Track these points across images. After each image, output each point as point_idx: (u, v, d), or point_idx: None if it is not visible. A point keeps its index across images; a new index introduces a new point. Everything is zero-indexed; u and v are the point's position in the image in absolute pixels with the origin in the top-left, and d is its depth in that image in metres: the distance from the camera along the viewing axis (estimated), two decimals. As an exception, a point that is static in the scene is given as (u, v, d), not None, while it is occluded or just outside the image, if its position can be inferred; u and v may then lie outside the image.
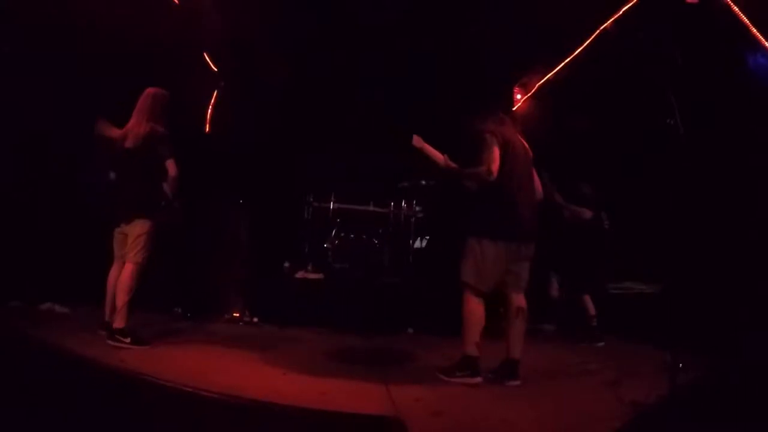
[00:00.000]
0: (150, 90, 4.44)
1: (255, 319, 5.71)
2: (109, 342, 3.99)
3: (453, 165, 3.99)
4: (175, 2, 6.35)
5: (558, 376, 4.21)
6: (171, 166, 4.24)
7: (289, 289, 6.16)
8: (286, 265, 6.42)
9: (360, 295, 6.11)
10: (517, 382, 3.71)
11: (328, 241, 6.62)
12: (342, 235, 6.68)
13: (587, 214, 5.74)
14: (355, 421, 2.66)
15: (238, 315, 5.76)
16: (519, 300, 3.88)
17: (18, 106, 5.00)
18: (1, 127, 4.91)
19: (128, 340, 4.01)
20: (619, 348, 5.31)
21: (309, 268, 6.54)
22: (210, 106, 8.63)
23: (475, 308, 3.76)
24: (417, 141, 4.10)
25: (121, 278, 4.16)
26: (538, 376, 4.11)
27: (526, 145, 4.01)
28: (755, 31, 4.64)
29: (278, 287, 6.15)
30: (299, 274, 6.40)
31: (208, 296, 5.95)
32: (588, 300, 5.63)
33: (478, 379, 3.68)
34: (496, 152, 3.74)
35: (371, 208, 7.50)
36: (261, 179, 7.11)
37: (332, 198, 7.36)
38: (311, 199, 7.17)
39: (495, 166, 3.71)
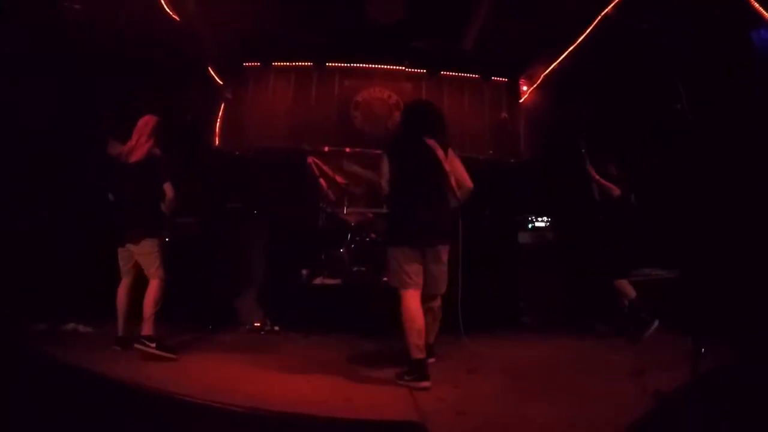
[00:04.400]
0: (148, 117, 4.68)
1: (276, 328, 5.73)
2: (136, 346, 4.17)
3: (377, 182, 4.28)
4: (175, 19, 6.43)
5: (580, 368, 4.20)
6: (168, 189, 4.47)
7: (308, 296, 6.19)
8: (304, 272, 6.45)
9: (379, 298, 6.11)
10: (431, 360, 4.03)
11: (344, 246, 6.63)
12: (357, 239, 6.68)
13: (615, 191, 5.58)
14: (377, 428, 2.69)
15: (259, 324, 5.78)
16: (437, 302, 4.14)
17: (34, 130, 5.12)
18: (18, 145, 5.01)
19: (153, 345, 4.19)
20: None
21: (326, 274, 6.57)
22: (218, 120, 8.75)
23: (407, 308, 3.88)
24: (347, 166, 4.84)
25: (148, 293, 4.37)
26: (561, 370, 4.12)
27: (434, 151, 4.05)
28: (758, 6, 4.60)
29: (297, 295, 6.17)
30: (317, 281, 6.43)
31: (229, 307, 6.00)
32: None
33: (427, 384, 3.65)
34: (385, 168, 4.11)
35: (384, 210, 7.50)
36: (274, 189, 7.17)
37: (345, 203, 7.39)
38: (325, 206, 7.20)
39: (384, 181, 4.11)
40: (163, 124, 4.73)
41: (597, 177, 5.71)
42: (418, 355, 3.75)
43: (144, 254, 4.44)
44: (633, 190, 5.68)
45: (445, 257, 4.06)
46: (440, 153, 4.04)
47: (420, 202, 3.96)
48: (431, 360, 4.03)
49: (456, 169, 4.12)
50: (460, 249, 4.28)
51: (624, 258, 5.54)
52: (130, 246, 4.48)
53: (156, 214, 4.51)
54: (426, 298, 4.01)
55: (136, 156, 4.48)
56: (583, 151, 5.78)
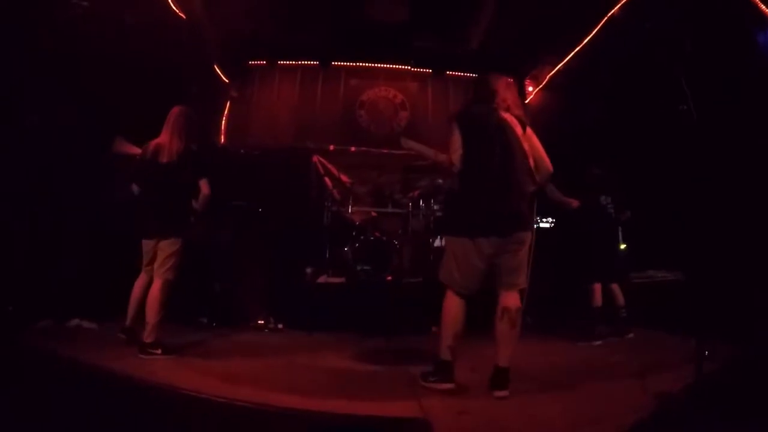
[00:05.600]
0: (180, 108, 4.54)
1: (280, 326, 5.76)
2: (141, 356, 4.07)
3: (442, 158, 3.64)
4: (181, 17, 6.47)
5: (583, 370, 4.18)
6: (204, 185, 4.36)
7: (313, 294, 6.21)
8: (308, 270, 6.47)
9: (382, 296, 6.14)
10: (504, 393, 3.31)
11: (348, 245, 6.65)
12: (362, 237, 6.70)
13: (573, 204, 5.51)
14: (380, 424, 2.70)
15: (263, 322, 5.80)
16: (506, 299, 3.47)
17: (37, 128, 5.14)
18: (21, 147, 5.03)
19: (159, 351, 4.12)
20: (644, 338, 5.27)
21: (331, 272, 6.60)
22: (224, 118, 8.79)
23: (449, 308, 3.50)
24: (404, 142, 3.94)
25: (151, 295, 4.25)
26: (564, 372, 4.11)
27: (512, 128, 3.57)
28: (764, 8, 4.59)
29: (301, 293, 6.19)
30: (321, 279, 6.46)
31: (233, 305, 6.02)
32: (616, 289, 5.47)
33: (449, 386, 3.44)
34: (456, 140, 3.50)
35: (389, 209, 7.53)
36: (279, 187, 7.20)
37: (350, 201, 7.41)
38: (329, 204, 7.22)
39: (455, 155, 3.48)
40: (188, 114, 4.57)
41: (555, 198, 5.51)
42: (447, 356, 3.47)
43: (166, 252, 4.31)
44: (603, 192, 5.62)
45: (524, 246, 3.50)
46: (519, 130, 3.58)
47: (495, 185, 3.41)
48: (502, 393, 3.32)
49: (535, 149, 3.64)
50: (533, 242, 3.66)
51: (601, 264, 5.52)
52: (156, 241, 4.36)
53: (186, 212, 4.42)
54: (498, 296, 3.50)
55: (169, 156, 4.35)
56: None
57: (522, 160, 3.52)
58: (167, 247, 4.32)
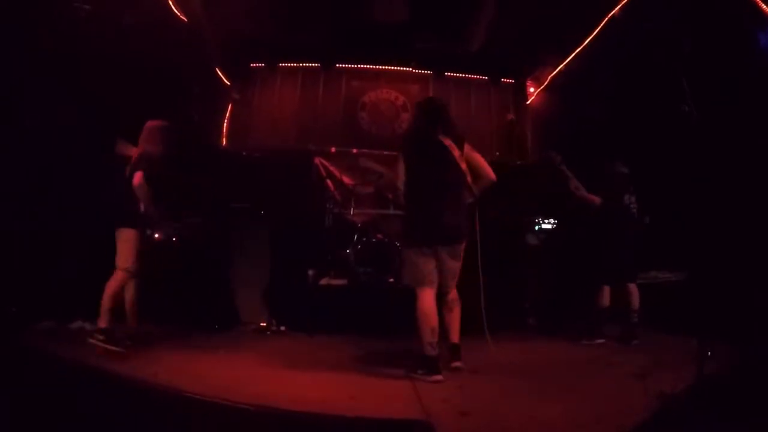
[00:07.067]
0: (150, 122, 4.75)
1: (282, 328, 5.76)
2: (89, 340, 4.20)
3: (390, 180, 4.44)
4: (183, 20, 6.47)
5: (585, 370, 4.19)
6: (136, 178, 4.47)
7: (314, 296, 6.19)
8: (310, 272, 6.46)
9: (384, 298, 6.13)
10: (459, 364, 3.97)
11: (350, 247, 6.64)
12: (364, 239, 6.69)
13: (596, 200, 5.39)
14: (383, 426, 2.70)
15: (265, 324, 5.81)
16: (450, 296, 4.16)
17: (37, 128, 5.15)
18: (21, 147, 5.04)
19: (102, 338, 4.20)
20: (646, 338, 5.24)
21: (332, 274, 6.58)
22: (226, 120, 8.79)
23: (421, 306, 3.95)
24: (362, 162, 4.50)
25: (108, 284, 4.39)
26: (565, 371, 4.11)
27: (450, 152, 4.07)
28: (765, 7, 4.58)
29: (303, 295, 6.18)
30: (323, 281, 6.44)
31: (235, 307, 6.03)
32: (633, 291, 5.33)
33: (438, 377, 3.77)
34: (400, 167, 4.11)
35: (391, 211, 7.52)
36: (281, 189, 7.19)
37: (352, 203, 7.40)
38: (331, 206, 7.22)
39: (400, 181, 4.11)
40: (167, 128, 4.76)
41: (579, 194, 5.44)
42: (431, 352, 3.83)
43: (119, 243, 4.49)
44: (628, 192, 5.49)
45: (460, 254, 4.14)
46: (456, 152, 4.08)
47: (436, 203, 3.99)
48: (458, 364, 3.99)
49: (475, 163, 4.18)
50: (478, 248, 4.30)
51: (614, 265, 5.40)
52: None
53: (131, 207, 4.51)
54: (439, 295, 4.08)
55: (130, 168, 4.52)
56: (561, 167, 5.49)
57: (459, 179, 4.09)
58: (118, 236, 4.50)
